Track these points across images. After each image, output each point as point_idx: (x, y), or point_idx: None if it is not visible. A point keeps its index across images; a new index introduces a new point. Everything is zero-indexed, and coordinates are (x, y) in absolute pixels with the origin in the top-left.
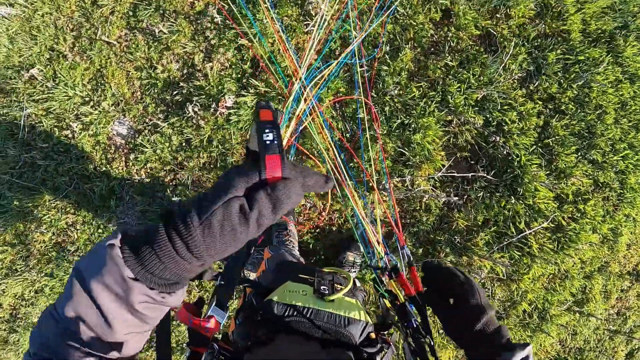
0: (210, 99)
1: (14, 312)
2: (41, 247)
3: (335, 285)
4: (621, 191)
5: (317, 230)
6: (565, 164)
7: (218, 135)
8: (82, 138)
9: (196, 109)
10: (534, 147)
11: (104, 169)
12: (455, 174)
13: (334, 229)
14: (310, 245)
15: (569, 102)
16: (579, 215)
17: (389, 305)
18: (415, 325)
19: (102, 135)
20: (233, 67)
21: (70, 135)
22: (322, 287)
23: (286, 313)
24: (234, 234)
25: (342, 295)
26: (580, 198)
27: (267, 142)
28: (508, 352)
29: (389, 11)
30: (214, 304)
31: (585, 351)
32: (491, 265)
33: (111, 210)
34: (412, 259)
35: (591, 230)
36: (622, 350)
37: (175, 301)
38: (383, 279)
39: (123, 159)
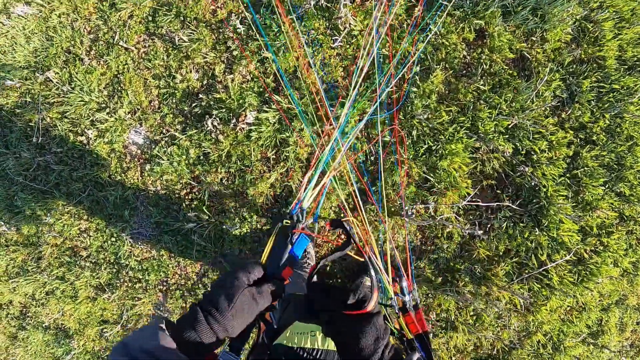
0: (231, 114)
1: (24, 310)
2: (53, 250)
3: None
4: None
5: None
6: (592, 196)
7: (237, 151)
8: (98, 145)
9: (215, 123)
10: (562, 178)
11: (118, 177)
12: (480, 203)
13: (352, 251)
14: (328, 268)
15: (600, 132)
16: (601, 248)
17: (393, 341)
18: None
19: (118, 143)
20: (255, 80)
21: (85, 142)
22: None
23: (293, 356)
24: (251, 312)
25: None
26: (604, 231)
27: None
28: None
29: (428, 36)
30: (225, 348)
31: None
32: (510, 296)
33: (125, 220)
34: (419, 301)
35: (612, 264)
36: None
37: None
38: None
39: (138, 168)
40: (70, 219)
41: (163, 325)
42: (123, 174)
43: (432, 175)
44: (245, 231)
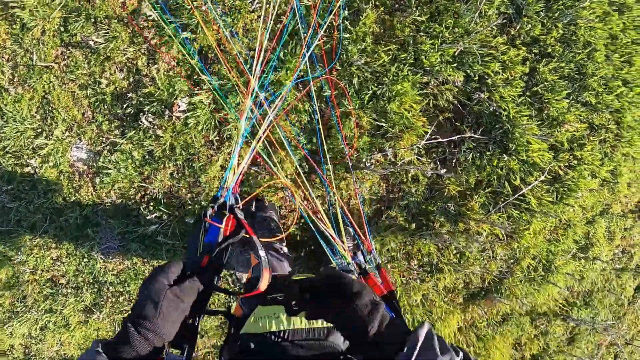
0: (163, 105)
1: (27, 350)
2: (34, 286)
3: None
4: (618, 131)
5: (302, 221)
6: (557, 111)
7: (180, 142)
8: (45, 171)
9: (150, 119)
10: (522, 97)
11: (73, 198)
12: (441, 139)
13: (319, 216)
14: (298, 237)
15: (554, 43)
16: (576, 162)
17: None
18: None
19: (63, 164)
20: (181, 64)
21: (32, 172)
22: (292, 303)
23: (263, 342)
24: (179, 312)
25: None
26: (576, 144)
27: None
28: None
29: None
30: (169, 351)
31: (594, 293)
32: (489, 227)
33: (91, 238)
34: (379, 261)
35: (590, 176)
36: (630, 286)
37: None
38: None
39: (90, 184)
40: (40, 251)
41: (100, 349)
42: (77, 194)
43: (383, 120)
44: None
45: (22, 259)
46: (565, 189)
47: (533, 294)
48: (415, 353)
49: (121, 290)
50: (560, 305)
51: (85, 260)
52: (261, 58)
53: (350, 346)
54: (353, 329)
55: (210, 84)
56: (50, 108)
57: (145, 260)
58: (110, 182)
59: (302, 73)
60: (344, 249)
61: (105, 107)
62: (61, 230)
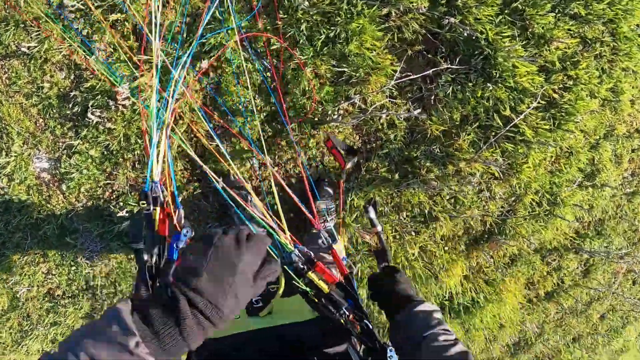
0: (106, 96)
1: None
2: (34, 302)
3: (270, 288)
4: (614, 43)
5: (277, 187)
6: (542, 28)
7: (133, 130)
8: (13, 190)
9: (97, 113)
10: (501, 16)
11: (46, 210)
12: (413, 75)
13: (293, 180)
14: (275, 207)
15: None
16: (571, 83)
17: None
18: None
19: (29, 178)
20: (117, 49)
21: (2, 192)
22: (253, 300)
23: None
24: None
25: (276, 302)
26: (569, 63)
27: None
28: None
29: None
30: None
31: (605, 221)
32: (482, 166)
33: (72, 245)
34: (330, 242)
35: (589, 96)
36: None
37: None
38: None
39: (58, 192)
40: (30, 268)
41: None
42: (48, 204)
43: (344, 65)
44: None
45: (16, 279)
46: (562, 113)
47: (540, 231)
48: None
49: (113, 290)
50: (571, 239)
51: (74, 268)
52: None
53: None
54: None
55: (98, 62)
56: (3, 125)
57: (130, 257)
58: (76, 186)
59: (245, 30)
60: (287, 239)
61: (54, 110)
62: (44, 243)
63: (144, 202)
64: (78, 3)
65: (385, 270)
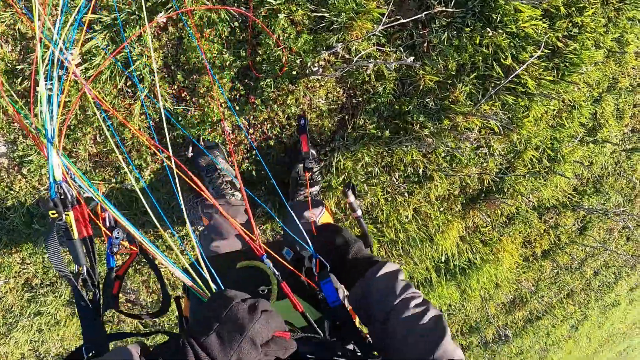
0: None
1: (36, 353)
2: (14, 294)
3: (260, 290)
4: None
5: (254, 153)
6: None
7: (91, 102)
8: None
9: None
10: None
11: (10, 197)
12: (403, 20)
13: (272, 142)
14: (253, 173)
15: None
16: (576, 30)
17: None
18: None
19: None
20: (65, 12)
21: None
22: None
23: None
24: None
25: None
26: (574, 8)
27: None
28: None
29: None
30: None
31: (604, 177)
32: (481, 121)
33: (41, 232)
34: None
35: (594, 46)
36: None
37: None
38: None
39: (19, 177)
40: (4, 259)
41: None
42: (11, 191)
43: (324, 9)
44: (147, 179)
45: None
46: (567, 64)
47: (539, 189)
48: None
49: None
50: (569, 196)
51: (46, 254)
52: None
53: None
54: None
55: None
56: None
57: (102, 239)
58: (37, 168)
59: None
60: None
61: (4, 88)
62: (13, 232)
63: (53, 211)
64: None
65: (328, 230)
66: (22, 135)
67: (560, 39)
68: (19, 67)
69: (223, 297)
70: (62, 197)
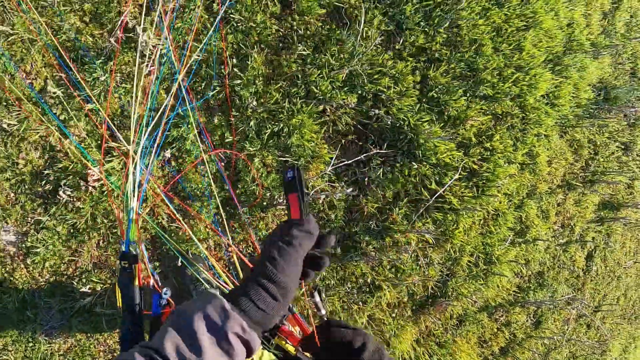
0: (78, 177)
1: None
2: None
3: None
4: (523, 114)
5: (231, 268)
6: (456, 111)
7: (100, 210)
8: None
9: (68, 192)
10: (419, 104)
11: (8, 283)
12: (347, 161)
13: (246, 259)
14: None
15: (440, 47)
16: (488, 154)
17: None
18: None
19: None
20: (90, 135)
21: None
22: None
23: None
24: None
25: None
26: (484, 137)
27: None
28: None
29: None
30: None
31: (545, 272)
32: (417, 236)
33: (32, 320)
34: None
35: (506, 163)
36: (580, 257)
37: (256, 343)
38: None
39: (22, 265)
40: None
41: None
42: (11, 277)
43: (288, 155)
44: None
45: None
46: (483, 181)
47: (481, 289)
48: None
49: None
50: (514, 293)
51: (31, 344)
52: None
53: None
54: None
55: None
56: None
57: (89, 334)
58: (41, 261)
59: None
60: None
61: (26, 186)
62: (3, 318)
63: (125, 261)
64: (59, 91)
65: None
66: (34, 229)
67: (475, 162)
68: (45, 172)
69: (283, 230)
70: (135, 254)
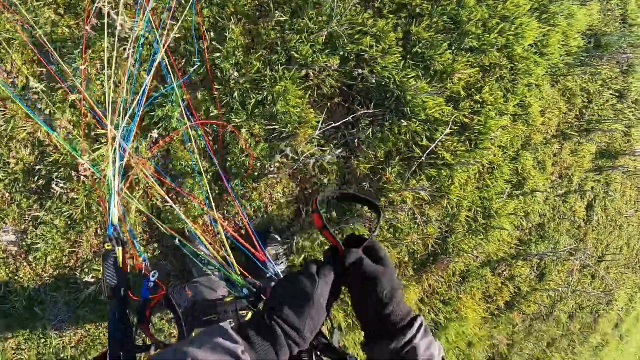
0: (69, 168)
1: None
2: None
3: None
4: (512, 64)
5: (229, 241)
6: (442, 65)
7: (94, 198)
8: None
9: (61, 184)
10: (404, 61)
11: (14, 282)
12: (335, 123)
13: (243, 232)
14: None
15: (421, 2)
16: (478, 106)
17: None
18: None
19: None
20: (76, 125)
21: None
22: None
23: None
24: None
25: None
26: (473, 89)
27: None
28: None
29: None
30: None
31: (546, 224)
32: (412, 194)
33: (39, 317)
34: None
35: (497, 115)
36: (579, 207)
37: None
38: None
39: (25, 263)
40: None
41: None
42: (16, 277)
43: (274, 123)
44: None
45: None
46: (475, 134)
47: (482, 244)
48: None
49: None
50: (516, 246)
51: (42, 340)
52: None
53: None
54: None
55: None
56: None
57: (97, 323)
58: (42, 256)
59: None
60: (237, 274)
61: (19, 184)
62: (12, 317)
63: (109, 243)
64: (41, 85)
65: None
66: (32, 225)
67: (466, 115)
68: (36, 167)
69: (290, 277)
70: (117, 237)
